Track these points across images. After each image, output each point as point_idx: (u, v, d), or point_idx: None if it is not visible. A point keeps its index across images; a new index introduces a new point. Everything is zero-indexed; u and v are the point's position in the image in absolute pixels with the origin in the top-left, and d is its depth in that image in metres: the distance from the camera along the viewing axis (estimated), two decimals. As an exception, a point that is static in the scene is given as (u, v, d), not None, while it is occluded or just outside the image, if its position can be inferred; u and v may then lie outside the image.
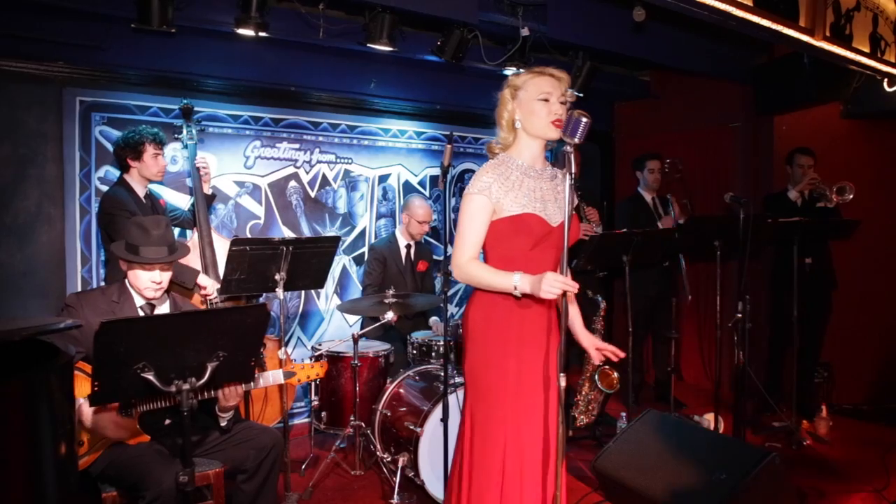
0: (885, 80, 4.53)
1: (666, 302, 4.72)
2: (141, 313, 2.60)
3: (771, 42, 4.38)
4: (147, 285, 2.56)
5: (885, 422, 4.63)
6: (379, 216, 5.13)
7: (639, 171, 4.94)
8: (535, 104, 2.18)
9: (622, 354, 2.34)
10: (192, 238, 3.61)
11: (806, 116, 5.10)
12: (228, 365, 2.10)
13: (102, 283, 3.88)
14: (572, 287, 2.01)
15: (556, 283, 1.97)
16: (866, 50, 3.88)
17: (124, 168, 3.46)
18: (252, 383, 2.55)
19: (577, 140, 1.98)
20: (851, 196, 4.34)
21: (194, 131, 3.77)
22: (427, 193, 5.39)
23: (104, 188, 3.86)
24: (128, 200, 3.34)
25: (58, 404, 1.56)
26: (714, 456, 2.96)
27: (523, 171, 2.23)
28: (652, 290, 4.80)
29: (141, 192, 3.46)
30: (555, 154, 4.14)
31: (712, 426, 4.03)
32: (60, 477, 1.54)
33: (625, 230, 4.10)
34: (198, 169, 3.67)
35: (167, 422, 2.57)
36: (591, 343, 2.41)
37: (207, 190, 3.76)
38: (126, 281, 2.62)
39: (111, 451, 2.43)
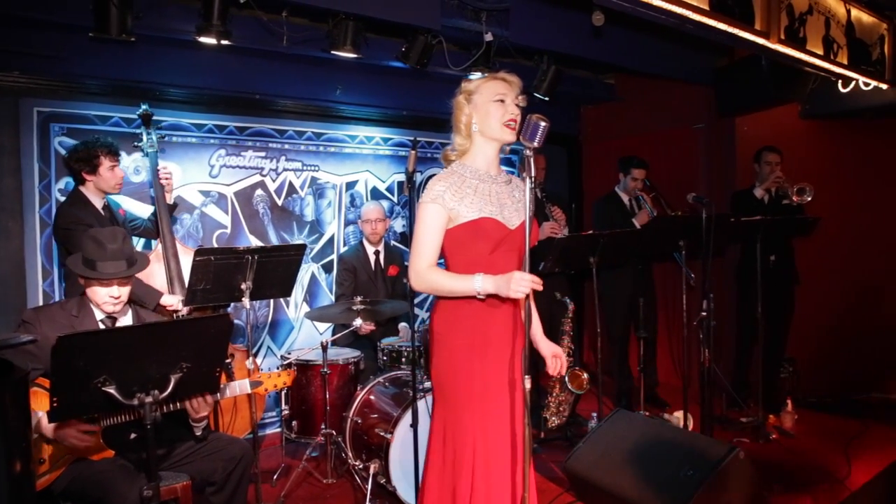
0: (840, 81, 4.66)
1: (636, 302, 4.75)
2: (101, 327, 2.55)
3: (730, 45, 4.46)
4: (105, 300, 2.52)
5: (848, 413, 4.76)
6: (347, 223, 5.11)
7: (623, 173, 4.88)
8: (491, 106, 2.20)
9: (559, 374, 2.38)
10: (157, 249, 3.54)
11: (766, 117, 5.21)
12: (192, 376, 2.07)
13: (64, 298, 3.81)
14: (539, 285, 2.02)
15: (523, 283, 1.99)
16: (820, 52, 3.98)
17: (79, 180, 3.38)
18: (218, 394, 2.53)
19: (535, 144, 2.01)
20: (810, 198, 4.44)
21: (154, 139, 3.68)
22: (395, 199, 5.40)
23: (65, 200, 3.80)
24: (84, 214, 3.26)
25: (11, 421, 1.53)
26: (681, 452, 3.01)
27: (478, 177, 2.24)
28: (629, 290, 4.81)
29: (98, 204, 3.39)
30: (520, 159, 4.18)
31: (682, 423, 4.09)
32: (14, 495, 1.51)
33: (591, 232, 4.14)
34: (159, 178, 3.59)
35: (132, 436, 2.52)
36: (550, 350, 2.38)
37: (170, 199, 3.69)
38: (86, 294, 2.58)
39: (74, 468, 2.38)
